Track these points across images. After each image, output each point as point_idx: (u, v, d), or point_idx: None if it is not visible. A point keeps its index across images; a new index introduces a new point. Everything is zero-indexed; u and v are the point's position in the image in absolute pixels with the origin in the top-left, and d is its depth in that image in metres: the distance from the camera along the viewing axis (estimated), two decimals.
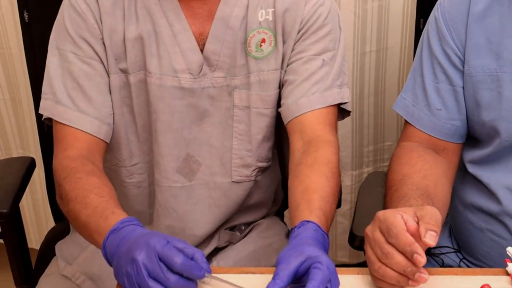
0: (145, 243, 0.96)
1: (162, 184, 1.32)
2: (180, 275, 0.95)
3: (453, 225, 1.38)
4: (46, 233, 1.65)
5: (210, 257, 1.39)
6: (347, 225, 2.21)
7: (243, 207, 1.40)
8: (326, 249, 1.05)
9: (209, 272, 0.97)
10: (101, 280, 1.33)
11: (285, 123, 1.30)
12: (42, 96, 1.28)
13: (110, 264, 1.02)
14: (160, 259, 0.95)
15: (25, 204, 2.25)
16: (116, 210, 1.08)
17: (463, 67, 1.24)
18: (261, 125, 1.32)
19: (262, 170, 1.37)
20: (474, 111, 1.25)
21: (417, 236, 0.97)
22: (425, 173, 1.21)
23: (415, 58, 1.33)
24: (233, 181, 1.34)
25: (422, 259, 0.94)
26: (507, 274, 1.05)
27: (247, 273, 1.07)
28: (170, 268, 0.95)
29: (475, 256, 1.31)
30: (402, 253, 0.96)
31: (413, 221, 0.99)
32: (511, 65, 1.19)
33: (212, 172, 1.33)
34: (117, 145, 1.32)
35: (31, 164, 1.56)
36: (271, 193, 1.45)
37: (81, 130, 1.24)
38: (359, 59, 1.97)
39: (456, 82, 1.25)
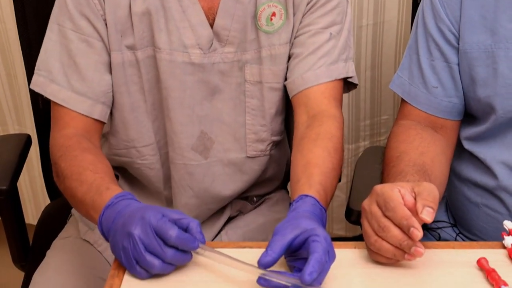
0: (140, 217, 0.97)
1: (177, 161, 1.31)
2: (176, 248, 0.96)
3: (449, 200, 1.39)
4: (43, 209, 1.65)
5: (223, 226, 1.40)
6: (344, 198, 2.22)
7: (258, 181, 1.40)
8: (323, 224, 1.05)
9: (203, 242, 0.98)
10: None
11: (290, 96, 1.29)
12: (36, 71, 1.27)
13: (107, 239, 1.03)
14: (156, 233, 0.95)
15: (22, 180, 2.26)
16: (110, 185, 1.08)
17: (458, 44, 1.24)
18: (274, 99, 1.31)
19: (276, 144, 1.37)
20: (469, 88, 1.25)
21: (414, 211, 0.97)
22: (422, 150, 1.21)
23: (410, 36, 1.32)
24: (248, 157, 1.34)
25: (418, 233, 0.94)
26: (504, 247, 1.06)
27: (244, 247, 1.07)
28: (165, 242, 0.96)
29: (471, 231, 1.32)
30: (399, 226, 0.97)
31: (410, 196, 0.99)
32: (506, 41, 1.19)
33: (225, 149, 1.32)
34: (123, 126, 1.30)
35: (27, 141, 1.56)
36: (283, 165, 1.46)
37: (76, 111, 1.24)
38: (356, 33, 1.96)
39: (451, 59, 1.25)
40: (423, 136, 1.24)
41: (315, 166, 1.13)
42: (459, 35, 1.23)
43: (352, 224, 1.35)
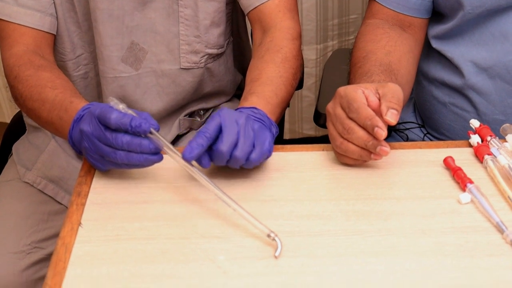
0: (88, 112, 0.96)
1: (107, 75, 1.29)
2: (128, 133, 0.94)
3: (417, 101, 1.40)
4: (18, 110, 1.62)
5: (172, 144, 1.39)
6: (313, 98, 2.23)
7: (198, 96, 1.38)
8: (256, 116, 1.03)
9: (156, 127, 0.95)
10: (63, 181, 1.34)
11: (245, 13, 1.27)
12: None
13: (80, 152, 1.02)
14: (100, 122, 0.94)
15: (1, 82, 2.26)
16: (73, 99, 1.07)
17: None
18: (208, 10, 1.28)
19: (213, 57, 1.34)
20: None
21: (378, 113, 0.97)
22: (389, 49, 1.21)
23: None
24: (181, 68, 1.31)
25: (383, 132, 0.95)
26: (470, 146, 1.07)
27: None
28: (109, 127, 0.94)
29: (439, 130, 1.34)
30: (363, 127, 0.97)
31: (374, 97, 0.99)
32: None
33: (158, 60, 1.30)
34: (59, 38, 1.27)
35: None
36: (228, 81, 1.43)
37: (24, 26, 1.20)
38: None
39: None
40: (391, 35, 1.24)
41: (255, 80, 1.12)
42: None
43: (321, 127, 1.36)
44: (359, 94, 0.99)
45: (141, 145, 0.94)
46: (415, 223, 0.93)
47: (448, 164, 1.02)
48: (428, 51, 1.32)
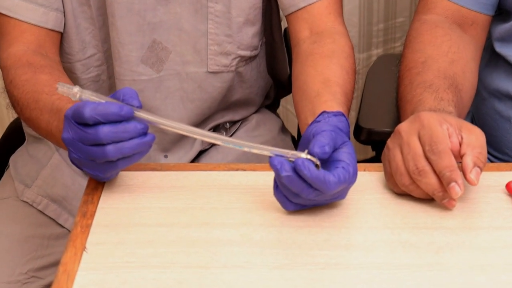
0: (65, 118, 0.95)
1: (124, 77, 1.28)
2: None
3: (476, 115, 1.38)
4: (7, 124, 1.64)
5: (193, 161, 1.39)
6: (353, 115, 2.21)
7: (225, 104, 1.37)
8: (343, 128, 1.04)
9: (138, 105, 0.94)
10: (66, 201, 1.34)
11: (285, 13, 1.26)
12: None
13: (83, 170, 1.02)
14: (78, 123, 0.93)
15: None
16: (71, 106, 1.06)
17: None
18: (242, 5, 1.26)
19: (245, 60, 1.33)
20: None
21: (455, 155, 0.95)
22: (452, 58, 1.18)
23: None
24: (209, 71, 1.30)
25: (459, 191, 0.93)
26: None
27: (237, 170, 1.08)
28: (88, 124, 0.92)
29: (501, 150, 1.32)
30: (438, 174, 0.95)
31: (457, 138, 0.97)
32: None
33: (183, 61, 1.29)
34: (66, 36, 1.27)
35: None
36: (259, 88, 1.42)
37: (26, 22, 1.20)
38: None
39: None
40: (452, 38, 1.21)
41: (336, 84, 1.12)
42: None
43: (361, 144, 1.33)
44: (444, 133, 0.96)
45: (126, 130, 0.93)
46: (471, 258, 0.91)
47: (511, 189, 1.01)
48: (490, 58, 1.30)
